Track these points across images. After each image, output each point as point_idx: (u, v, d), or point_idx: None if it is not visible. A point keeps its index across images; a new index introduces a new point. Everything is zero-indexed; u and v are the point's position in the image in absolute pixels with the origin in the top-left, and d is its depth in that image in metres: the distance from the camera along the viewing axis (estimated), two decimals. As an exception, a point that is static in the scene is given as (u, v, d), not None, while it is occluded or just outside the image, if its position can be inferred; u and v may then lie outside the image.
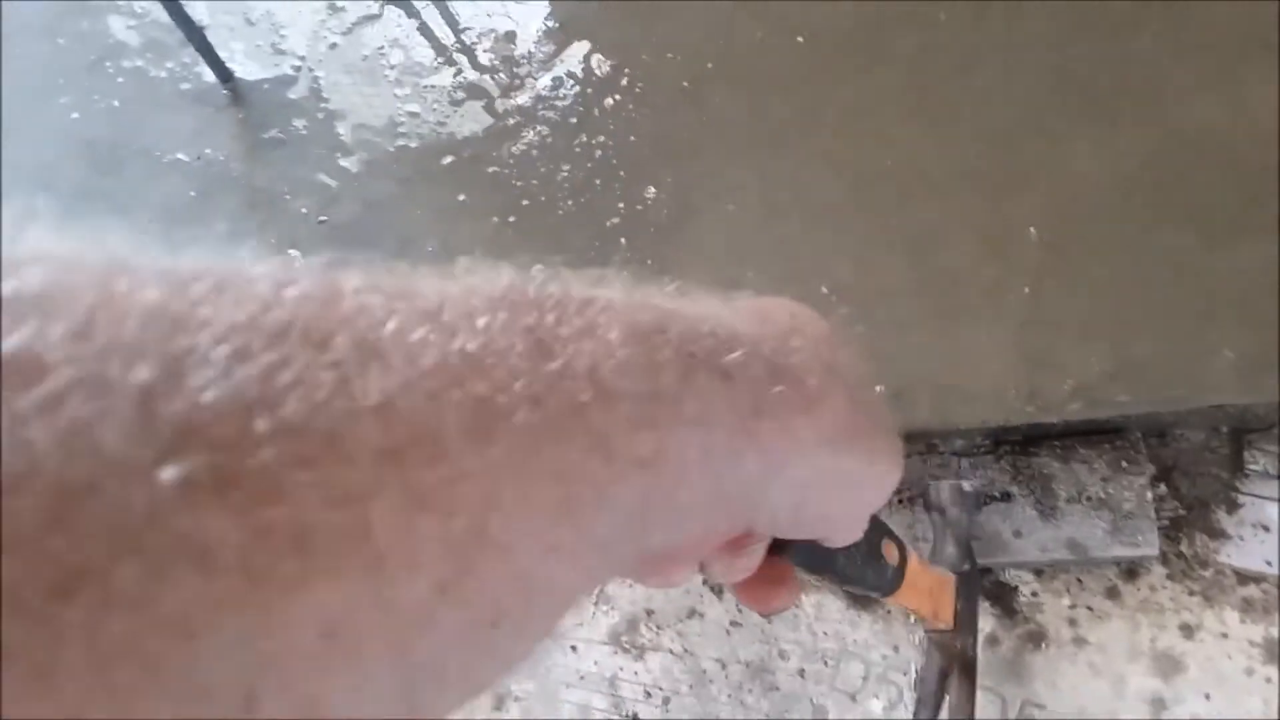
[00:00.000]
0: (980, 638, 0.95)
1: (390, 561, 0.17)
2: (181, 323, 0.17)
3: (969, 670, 0.83)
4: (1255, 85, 0.92)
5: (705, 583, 1.06)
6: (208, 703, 0.16)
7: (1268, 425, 0.95)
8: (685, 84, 1.10)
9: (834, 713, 0.97)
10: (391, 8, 1.28)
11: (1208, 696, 0.90)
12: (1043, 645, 0.94)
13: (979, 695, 0.93)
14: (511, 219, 1.07)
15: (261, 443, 0.16)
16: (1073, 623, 0.94)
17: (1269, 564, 0.92)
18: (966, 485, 0.90)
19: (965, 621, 0.79)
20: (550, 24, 1.20)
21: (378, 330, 0.19)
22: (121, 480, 0.15)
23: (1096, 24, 0.98)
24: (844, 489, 0.31)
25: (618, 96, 1.13)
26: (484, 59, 1.20)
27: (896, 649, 0.97)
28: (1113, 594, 0.94)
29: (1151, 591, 0.94)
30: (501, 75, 1.20)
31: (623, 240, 1.04)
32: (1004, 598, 0.96)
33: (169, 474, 0.15)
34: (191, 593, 0.15)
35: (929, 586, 0.67)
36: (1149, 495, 0.92)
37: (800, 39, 1.08)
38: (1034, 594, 0.96)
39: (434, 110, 1.18)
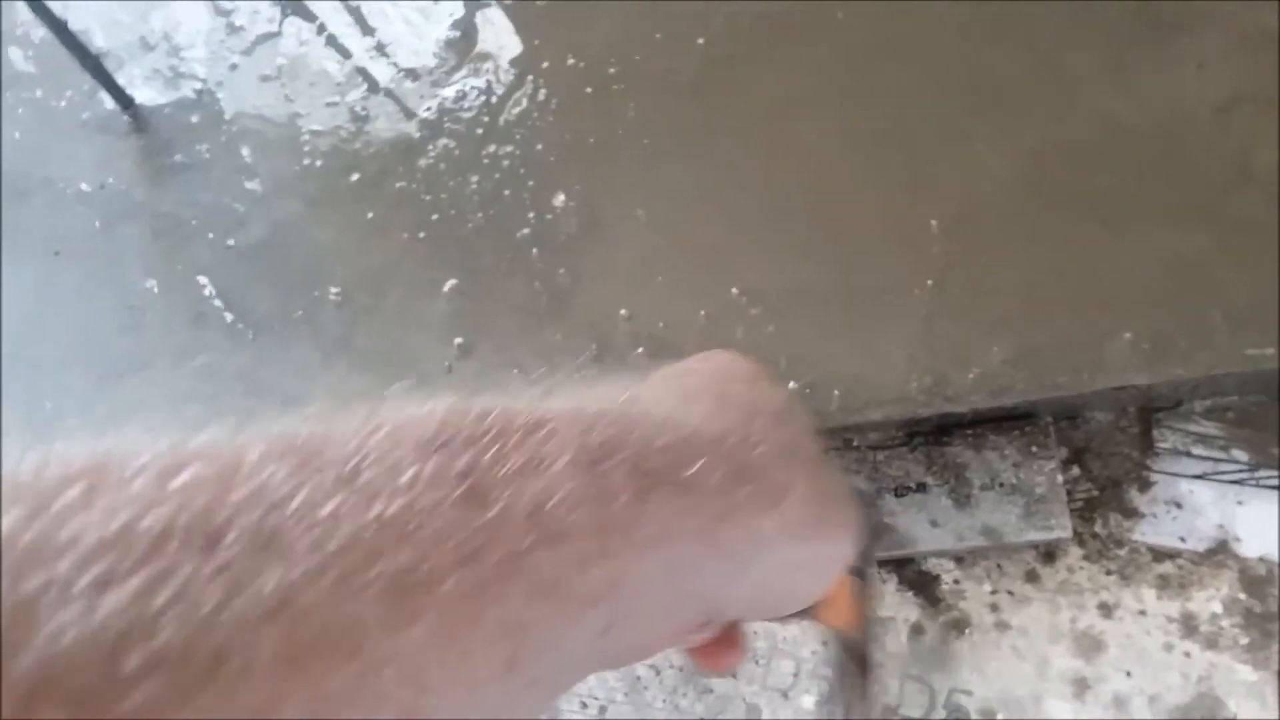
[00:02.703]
0: (905, 628, 0.96)
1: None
2: (38, 553, 0.15)
3: (863, 663, 0.82)
4: (1149, 74, 0.94)
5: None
6: None
7: (1174, 403, 0.97)
8: (589, 90, 1.10)
9: (767, 711, 0.97)
10: (291, 22, 1.26)
11: (1128, 674, 0.91)
12: (966, 632, 0.95)
13: (907, 685, 0.94)
14: (421, 235, 1.06)
15: (133, 684, 0.14)
16: (994, 608, 0.95)
17: (1182, 540, 0.94)
18: (860, 484, 0.90)
19: (866, 618, 0.79)
20: (453, 34, 1.19)
21: (279, 512, 0.17)
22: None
23: (997, 18, 0.99)
24: (806, 573, 0.31)
25: (523, 104, 1.12)
26: (386, 72, 1.18)
27: (826, 644, 0.98)
28: (1032, 577, 0.96)
29: (1070, 573, 0.95)
30: (405, 88, 1.19)
31: (534, 251, 1.03)
32: (926, 587, 0.97)
33: None
34: None
35: (841, 600, 0.67)
36: (1059, 478, 0.94)
37: (701, 41, 1.08)
38: (956, 581, 0.97)
39: (338, 127, 1.16)
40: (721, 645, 0.35)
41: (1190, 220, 0.91)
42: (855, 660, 0.82)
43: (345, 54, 1.22)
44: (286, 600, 0.16)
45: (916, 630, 0.96)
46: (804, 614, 0.54)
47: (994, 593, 0.96)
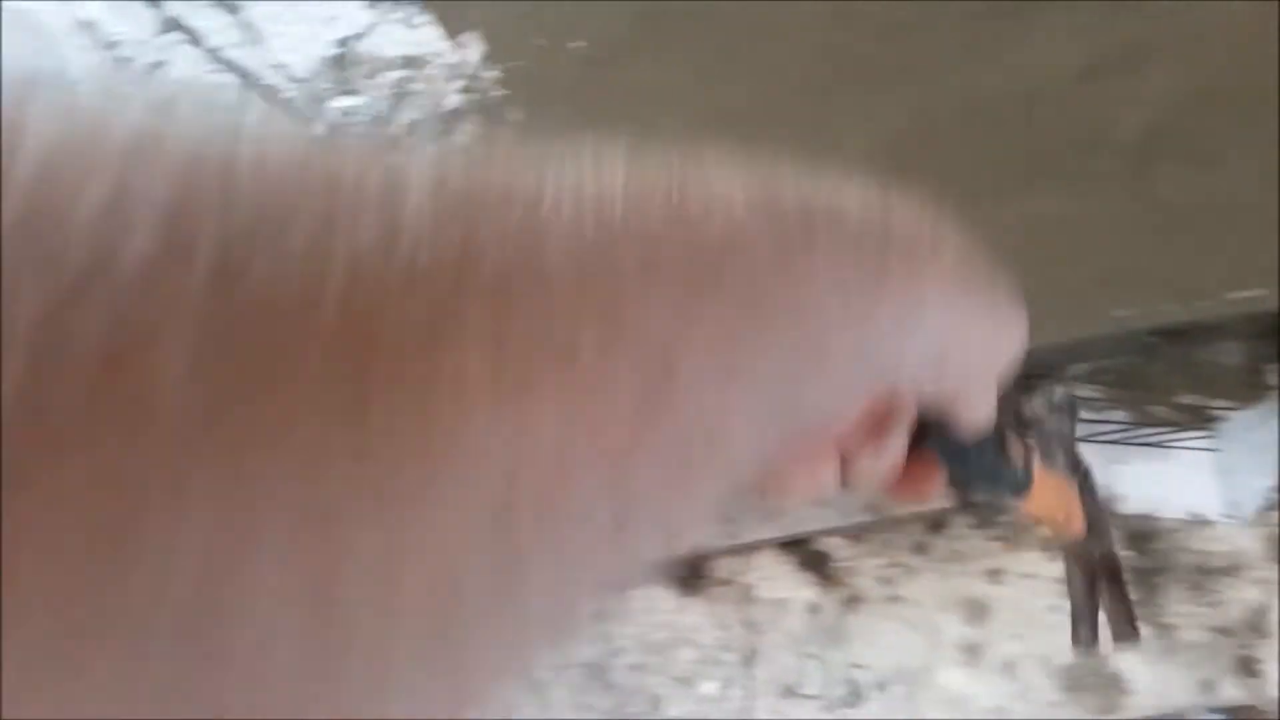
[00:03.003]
0: (802, 607, 0.97)
1: (596, 380, 0.18)
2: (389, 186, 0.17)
3: (1116, 575, 0.81)
4: (1009, 46, 0.95)
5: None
6: (472, 488, 0.16)
7: (1051, 368, 0.99)
8: (473, 96, 1.10)
9: (668, 700, 0.98)
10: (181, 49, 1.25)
11: (1018, 637, 0.93)
12: (859, 607, 0.96)
13: (806, 664, 0.95)
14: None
15: (490, 266, 0.17)
16: (886, 581, 0.97)
17: (1063, 500, 0.95)
18: (1058, 394, 0.88)
19: (1097, 526, 0.77)
20: (340, 50, 1.18)
21: (537, 201, 0.20)
22: (405, 303, 0.16)
23: (863, 4, 0.99)
24: (977, 336, 0.32)
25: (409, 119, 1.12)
26: (278, 90, 1.18)
27: (725, 629, 0.98)
28: (921, 549, 0.97)
29: (957, 541, 0.97)
30: (297, 108, 1.18)
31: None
32: (820, 565, 0.98)
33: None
34: (455, 365, 0.16)
35: (1056, 489, 0.66)
36: (940, 449, 0.95)
37: (581, 44, 1.08)
38: (848, 558, 0.98)
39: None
40: (919, 475, 0.39)
41: (1054, 187, 0.92)
42: (1089, 567, 0.80)
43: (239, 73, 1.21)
44: (568, 251, 0.19)
45: (813, 609, 0.97)
46: (1028, 499, 0.54)
47: (885, 566, 0.97)
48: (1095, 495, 0.83)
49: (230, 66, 1.17)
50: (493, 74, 1.11)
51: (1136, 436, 0.95)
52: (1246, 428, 0.93)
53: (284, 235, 0.15)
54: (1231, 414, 0.93)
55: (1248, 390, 0.94)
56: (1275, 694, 0.88)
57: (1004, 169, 0.91)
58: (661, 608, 1.00)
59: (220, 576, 0.14)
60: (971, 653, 0.93)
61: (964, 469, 0.46)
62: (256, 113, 0.20)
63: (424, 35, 1.15)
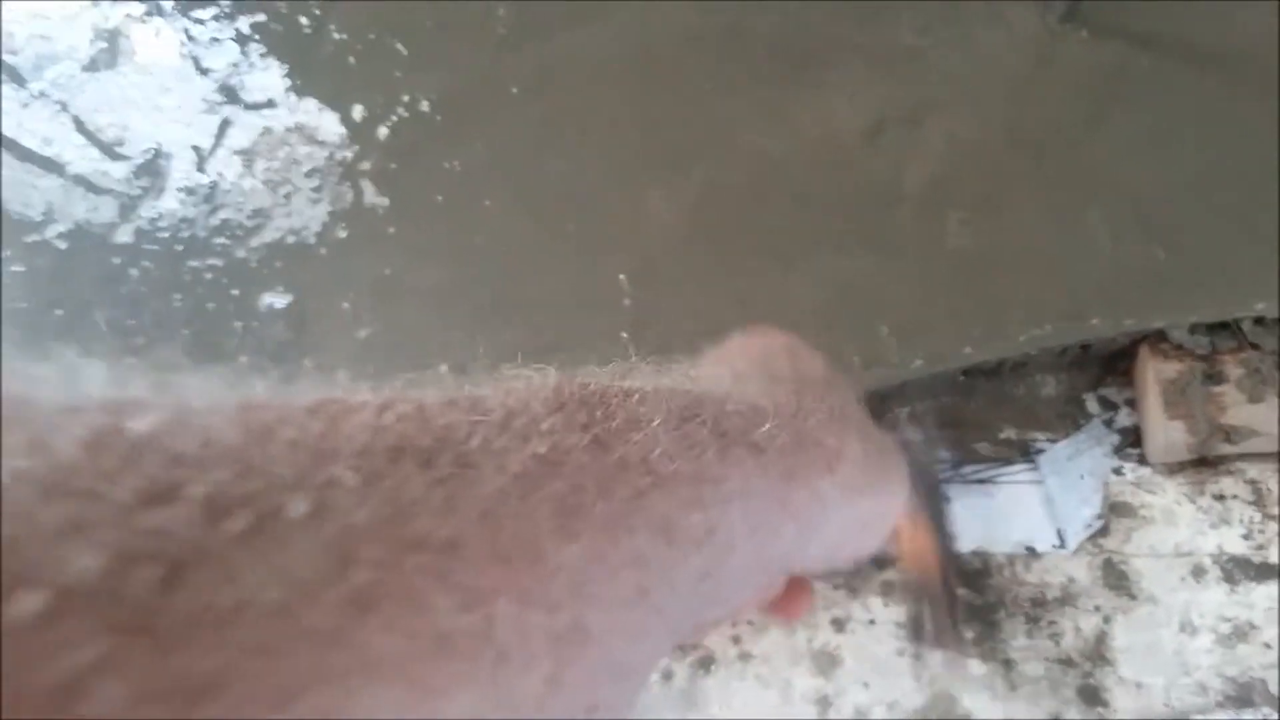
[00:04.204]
0: (656, 674, 0.97)
1: (509, 658, 0.18)
2: (317, 454, 0.18)
3: (949, 586, 0.81)
4: (798, 108, 0.98)
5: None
6: None
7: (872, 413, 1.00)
8: (284, 193, 1.11)
9: None
10: None
11: (866, 685, 0.93)
12: (712, 668, 0.96)
13: None
14: (128, 361, 1.05)
15: (406, 556, 0.17)
16: (736, 640, 0.97)
17: (900, 545, 0.96)
18: (909, 432, 0.88)
19: (944, 553, 0.78)
20: (151, 146, 1.18)
21: (468, 444, 0.20)
22: (308, 601, 0.16)
23: (656, 72, 1.02)
24: (869, 526, 0.33)
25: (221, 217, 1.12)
26: (81, 201, 1.17)
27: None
28: (767, 605, 0.97)
29: (801, 595, 0.97)
30: (101, 212, 1.17)
31: (243, 359, 1.03)
32: (671, 631, 0.98)
33: (339, 593, 0.16)
34: (372, 702, 0.16)
35: (914, 538, 0.67)
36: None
37: (409, 112, 1.09)
38: (698, 621, 0.98)
39: (36, 261, 1.15)
40: (792, 596, 0.38)
41: (851, 243, 0.95)
42: (936, 592, 0.80)
43: (40, 184, 1.21)
44: (489, 510, 0.19)
45: (666, 676, 0.97)
46: (882, 556, 0.54)
47: (734, 625, 0.97)
48: (945, 524, 0.84)
49: (21, 190, 1.15)
50: (293, 168, 1.12)
51: (962, 474, 0.97)
52: (1068, 457, 0.95)
53: (225, 523, 0.16)
54: (1052, 445, 0.96)
55: (1066, 420, 0.97)
56: None
57: (803, 230, 0.94)
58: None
59: None
60: (823, 704, 0.93)
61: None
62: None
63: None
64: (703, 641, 0.30)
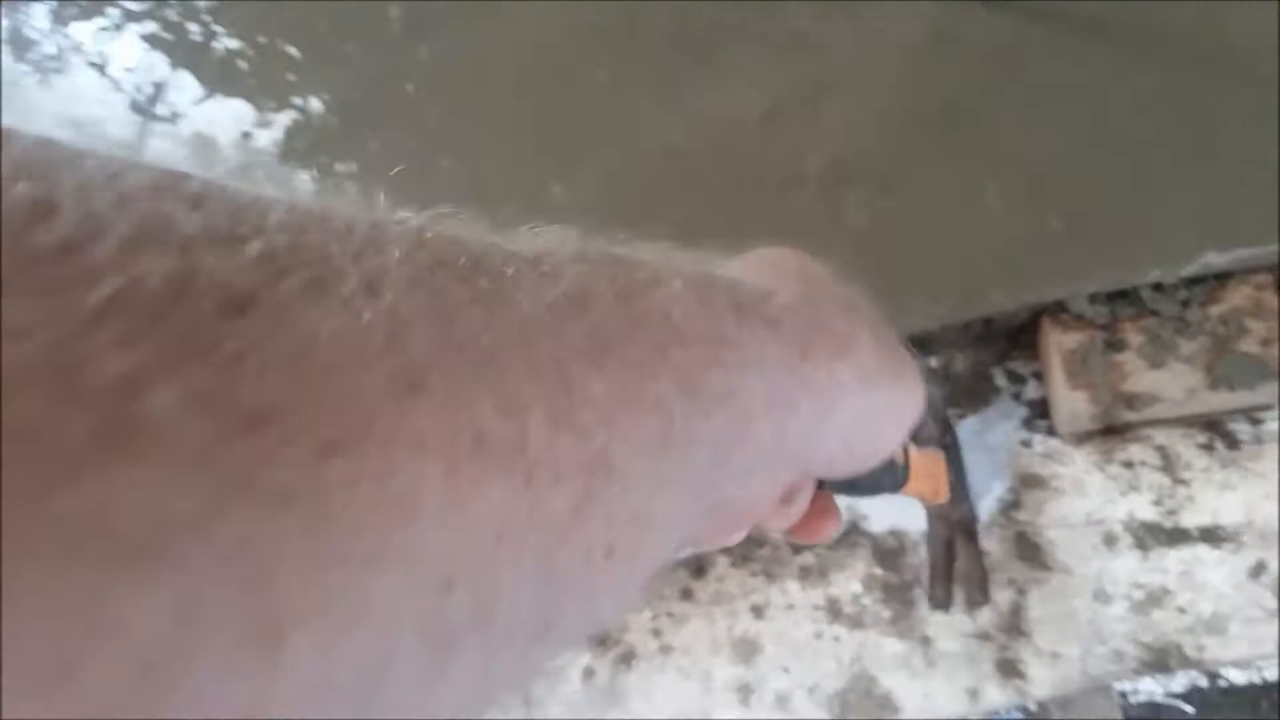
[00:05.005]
0: (578, 673, 0.96)
1: (539, 474, 0.18)
2: (367, 242, 0.18)
3: (972, 535, 0.85)
4: (695, 96, 0.97)
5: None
6: (415, 578, 0.16)
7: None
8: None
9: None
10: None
11: (786, 669, 0.93)
12: (633, 663, 0.96)
13: None
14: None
15: (450, 353, 0.17)
16: (657, 633, 0.96)
17: (816, 528, 0.96)
18: (932, 362, 0.91)
19: (958, 490, 0.82)
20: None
21: (502, 270, 0.20)
22: (361, 366, 0.16)
23: (552, 66, 1.01)
24: (886, 419, 0.33)
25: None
26: None
27: (505, 709, 0.97)
28: (687, 595, 0.97)
29: (720, 582, 0.97)
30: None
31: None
32: (591, 627, 0.97)
33: (389, 366, 0.16)
34: (412, 476, 0.16)
35: (926, 469, 0.67)
36: (687, 494, 0.95)
37: (302, 115, 1.08)
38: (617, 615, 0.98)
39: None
40: (818, 517, 0.40)
41: (753, 228, 0.94)
42: (950, 527, 0.81)
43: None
44: (522, 331, 0.19)
45: (588, 673, 0.97)
46: (897, 488, 0.54)
47: (654, 617, 0.97)
48: (959, 460, 0.85)
49: None
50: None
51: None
52: (976, 432, 0.95)
53: (285, 279, 0.16)
54: (961, 420, 0.96)
55: (975, 396, 0.97)
56: (1041, 694, 0.90)
57: (705, 217, 0.93)
58: (438, 692, 0.98)
59: (169, 654, 0.13)
60: (744, 692, 0.93)
61: (855, 489, 0.47)
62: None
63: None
64: (714, 544, 0.32)
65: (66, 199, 0.15)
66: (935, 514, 0.85)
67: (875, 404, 0.31)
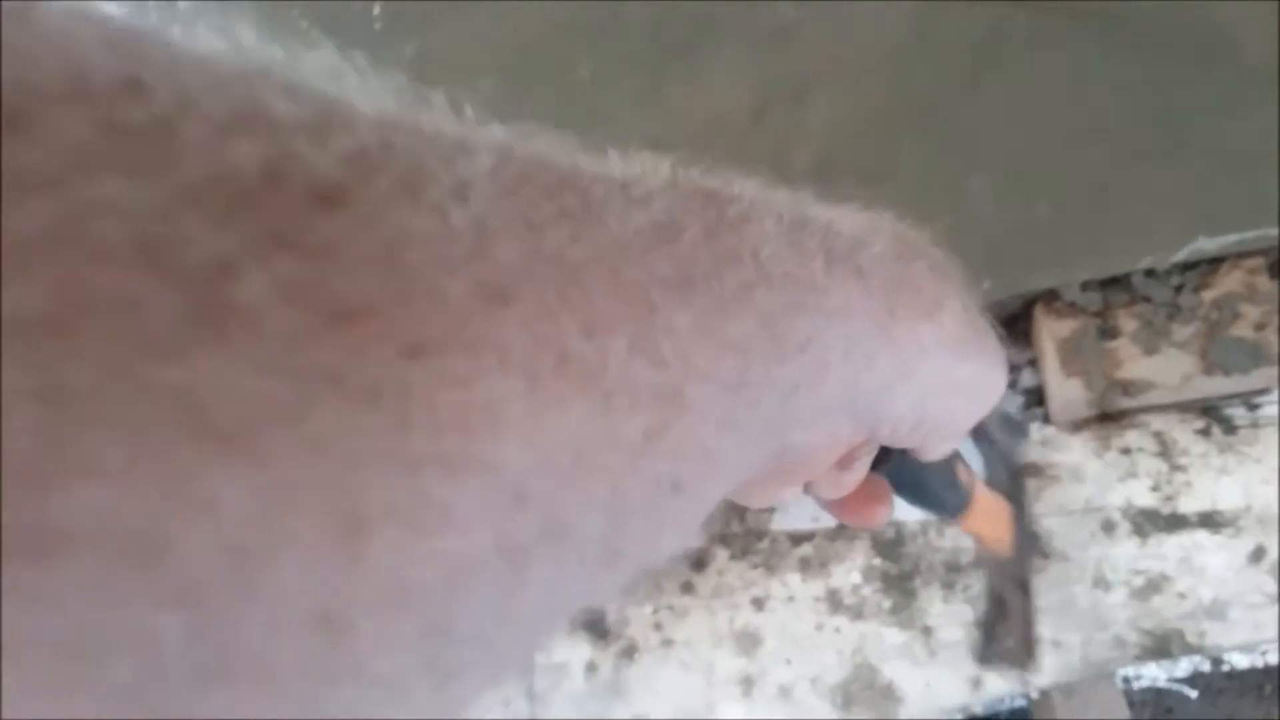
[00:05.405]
0: (580, 668, 0.97)
1: (617, 399, 0.18)
2: (456, 147, 0.18)
3: (1026, 594, 0.83)
4: (681, 93, 0.98)
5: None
6: (488, 495, 0.16)
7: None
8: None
9: None
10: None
11: (788, 661, 0.94)
12: (636, 657, 0.97)
13: None
14: None
15: (537, 265, 0.17)
16: (659, 627, 0.97)
17: (815, 520, 0.97)
18: (1012, 411, 0.89)
19: (1020, 544, 0.79)
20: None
21: (590, 191, 0.20)
22: (448, 269, 0.16)
23: (535, 66, 1.02)
24: (963, 393, 0.32)
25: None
26: None
27: (508, 704, 0.98)
28: (688, 588, 0.98)
29: (720, 576, 0.98)
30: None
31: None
32: (594, 623, 0.98)
33: (477, 274, 0.16)
34: (494, 386, 0.16)
35: (991, 511, 0.68)
36: (685, 490, 0.96)
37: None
38: (620, 610, 0.98)
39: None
40: (869, 499, 0.39)
41: (744, 222, 0.94)
42: (1004, 583, 0.80)
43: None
44: (609, 252, 0.19)
45: (591, 668, 0.98)
46: (964, 518, 0.53)
47: (656, 611, 0.98)
48: (1025, 517, 0.84)
49: None
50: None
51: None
52: (973, 423, 0.95)
53: (377, 176, 0.16)
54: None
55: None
56: (1044, 681, 0.90)
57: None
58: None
59: (255, 543, 0.13)
60: (747, 684, 0.94)
61: (914, 490, 0.47)
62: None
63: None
64: (766, 500, 0.30)
65: (159, 78, 0.14)
66: (995, 566, 0.83)
67: (954, 374, 0.30)
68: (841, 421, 0.28)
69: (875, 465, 0.39)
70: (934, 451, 0.39)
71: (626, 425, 0.18)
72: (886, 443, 0.35)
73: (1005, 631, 0.83)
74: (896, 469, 0.41)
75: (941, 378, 0.30)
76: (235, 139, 0.14)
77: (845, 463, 0.35)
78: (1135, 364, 0.88)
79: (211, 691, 0.13)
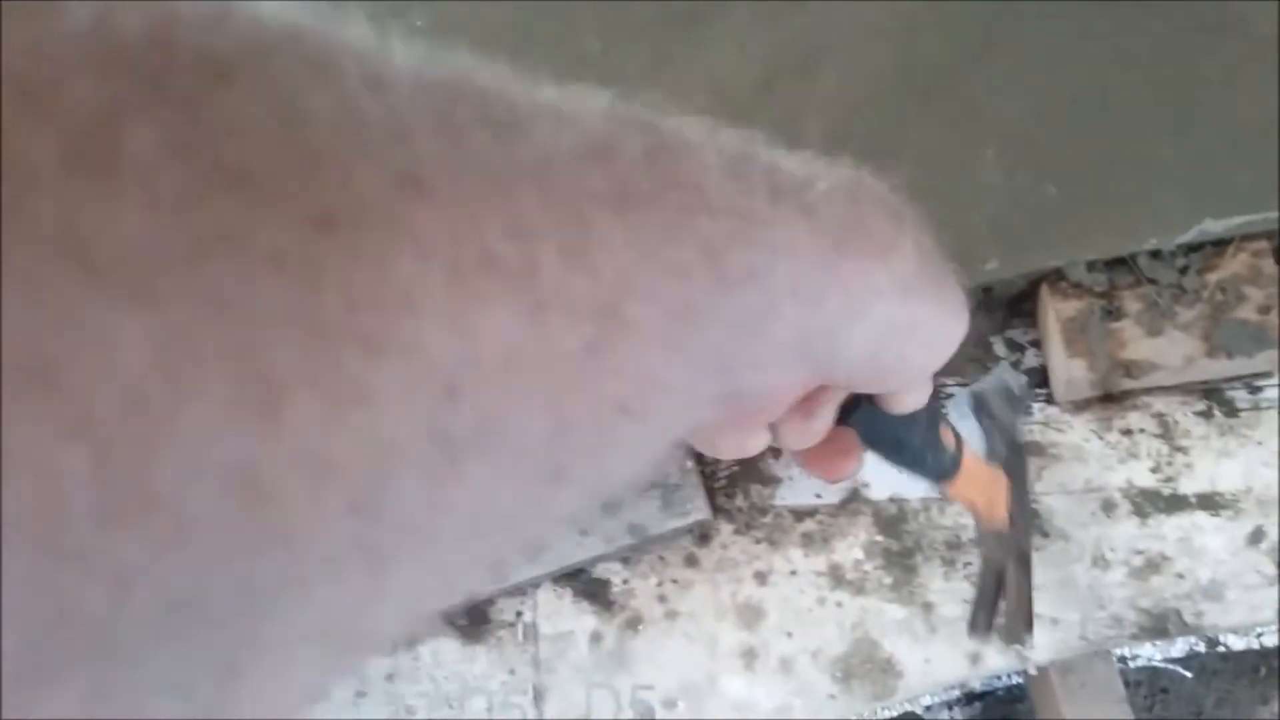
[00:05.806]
0: (585, 638, 0.98)
1: (551, 308, 0.18)
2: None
3: (1025, 568, 0.81)
4: (690, 63, 0.98)
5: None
6: (413, 382, 0.16)
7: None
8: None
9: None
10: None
11: (790, 635, 0.95)
12: (640, 628, 0.98)
13: (594, 693, 0.96)
14: None
15: (459, 166, 0.17)
16: (663, 599, 0.98)
17: (818, 496, 0.98)
18: (1014, 386, 0.86)
19: (1019, 520, 0.77)
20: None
21: (517, 108, 0.19)
22: (360, 157, 0.16)
23: (541, 32, 1.02)
24: (920, 337, 0.31)
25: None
26: None
27: (513, 671, 0.99)
28: (691, 561, 0.99)
29: (724, 550, 0.98)
30: None
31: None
32: (598, 594, 0.99)
33: (393, 161, 0.16)
34: (413, 271, 0.16)
35: (985, 480, 0.67)
36: (689, 464, 0.97)
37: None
38: (625, 581, 0.99)
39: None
40: (836, 452, 0.39)
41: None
42: (1003, 555, 0.79)
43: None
44: (538, 162, 0.19)
45: (595, 638, 0.98)
46: (953, 484, 0.53)
47: (660, 584, 0.99)
48: (1024, 489, 0.83)
49: None
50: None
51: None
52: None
53: (274, 56, 0.16)
54: (961, 389, 0.97)
55: (975, 364, 0.97)
56: (1041, 658, 0.91)
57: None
58: (448, 659, 1.00)
59: (157, 388, 0.13)
60: (749, 657, 0.95)
61: (892, 447, 0.46)
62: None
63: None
64: (731, 448, 0.29)
65: None
66: (991, 539, 0.81)
67: (910, 317, 0.29)
68: (795, 362, 0.28)
69: (844, 418, 0.39)
70: (900, 402, 0.38)
71: (562, 337, 0.18)
72: (844, 386, 0.35)
73: (1003, 607, 0.82)
74: (866, 421, 0.41)
75: (896, 320, 0.29)
76: (122, 9, 0.14)
77: (807, 410, 0.35)
78: (1139, 345, 0.89)
79: (119, 531, 0.13)
